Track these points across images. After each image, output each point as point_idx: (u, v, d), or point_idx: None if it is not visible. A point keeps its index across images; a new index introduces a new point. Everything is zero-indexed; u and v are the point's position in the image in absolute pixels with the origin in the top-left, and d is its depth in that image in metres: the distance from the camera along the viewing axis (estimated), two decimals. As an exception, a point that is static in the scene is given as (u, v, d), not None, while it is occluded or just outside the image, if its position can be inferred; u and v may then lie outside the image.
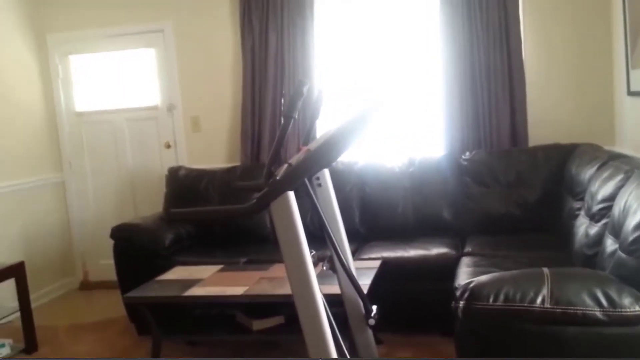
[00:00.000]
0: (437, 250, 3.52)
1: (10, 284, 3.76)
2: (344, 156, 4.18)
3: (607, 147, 3.62)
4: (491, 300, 1.95)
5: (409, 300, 3.44)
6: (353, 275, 2.27)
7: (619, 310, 1.84)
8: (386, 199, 4.04)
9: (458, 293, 2.03)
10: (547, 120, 4.10)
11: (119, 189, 5.07)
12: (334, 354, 1.75)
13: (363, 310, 2.37)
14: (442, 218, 3.93)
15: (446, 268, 3.28)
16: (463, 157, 4.01)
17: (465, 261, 3.24)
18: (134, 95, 4.97)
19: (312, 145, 1.84)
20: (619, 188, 2.52)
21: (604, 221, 2.59)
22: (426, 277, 3.41)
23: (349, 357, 2.02)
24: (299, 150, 1.97)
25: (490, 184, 3.89)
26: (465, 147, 4.10)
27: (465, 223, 3.90)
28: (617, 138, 3.95)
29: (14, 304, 3.78)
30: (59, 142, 5.10)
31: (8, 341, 3.69)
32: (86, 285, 5.17)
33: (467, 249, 3.49)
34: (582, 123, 4.05)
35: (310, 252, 1.79)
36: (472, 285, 2.01)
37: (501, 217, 3.80)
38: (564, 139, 3.90)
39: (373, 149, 4.40)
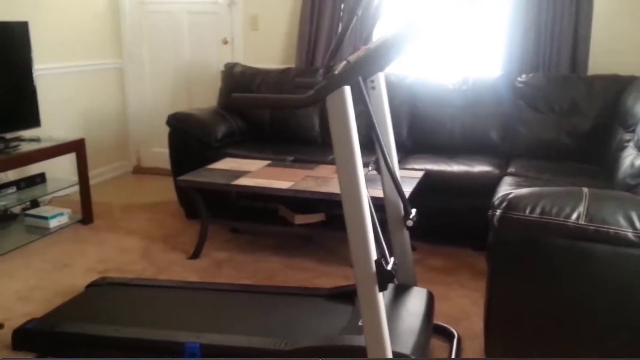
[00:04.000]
0: (480, 167, 3.58)
1: (70, 159, 4.01)
2: (397, 69, 4.23)
3: (668, 83, 3.54)
4: (527, 211, 2.02)
5: (446, 213, 3.53)
6: (396, 176, 2.36)
7: (651, 233, 1.89)
8: (436, 115, 4.07)
9: (496, 202, 2.10)
10: (610, 50, 3.98)
11: (175, 80, 5.21)
12: (374, 251, 1.85)
13: (402, 212, 2.47)
14: (490, 139, 3.96)
15: (487, 186, 3.33)
16: (519, 79, 3.97)
17: (507, 180, 3.30)
18: (196, -13, 5.00)
19: (372, 44, 1.89)
20: (673, 121, 2.51)
21: (652, 152, 2.60)
22: (466, 192, 3.48)
23: (388, 256, 2.13)
24: (357, 50, 2.02)
25: (543, 109, 3.86)
26: (523, 69, 4.04)
27: (513, 146, 3.91)
28: (681, 75, 3.84)
29: (74, 178, 4.04)
30: (121, 29, 5.21)
31: (67, 211, 3.97)
32: (139, 170, 5.44)
33: (511, 169, 3.53)
34: (646, 57, 3.94)
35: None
36: (510, 196, 2.08)
37: (550, 143, 3.80)
38: (625, 70, 3.81)
39: (427, 64, 4.39)
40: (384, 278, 1.84)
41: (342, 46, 4.26)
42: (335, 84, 1.79)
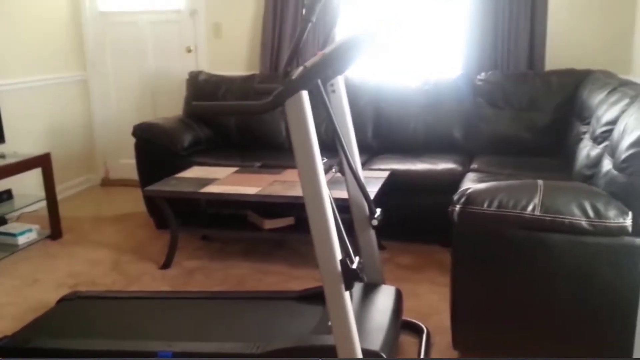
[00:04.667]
0: (444, 165, 3.65)
1: (36, 175, 3.98)
2: (361, 71, 4.29)
3: (622, 76, 3.65)
4: (485, 205, 2.09)
5: (413, 211, 3.60)
6: (359, 177, 2.41)
7: (604, 221, 1.97)
8: (399, 116, 4.14)
9: (455, 198, 2.17)
10: (566, 45, 4.10)
11: (141, 90, 5.20)
12: (339, 252, 1.89)
13: (367, 212, 2.52)
14: (452, 137, 4.04)
15: (451, 183, 3.40)
16: (478, 77, 4.06)
17: (470, 177, 3.38)
18: (157, -3, 5.01)
19: (327, 49, 1.94)
20: (623, 112, 2.60)
21: (605, 144, 2.68)
22: (431, 190, 3.55)
23: (352, 255, 2.17)
24: (315, 54, 2.06)
25: (502, 105, 3.96)
26: (482, 67, 4.14)
27: (474, 143, 4.00)
28: (634, 67, 3.97)
29: (41, 193, 4.01)
30: (83, 41, 5.19)
31: (35, 227, 3.94)
32: (107, 182, 5.41)
33: (473, 165, 3.61)
34: (600, 50, 4.05)
35: (322, 160, 1.91)
36: (469, 191, 2.15)
37: (510, 139, 3.90)
38: (582, 65, 3.93)
39: (390, 65, 4.46)
40: (349, 277, 1.88)
41: (305, 52, 4.33)
42: (292, 89, 1.83)
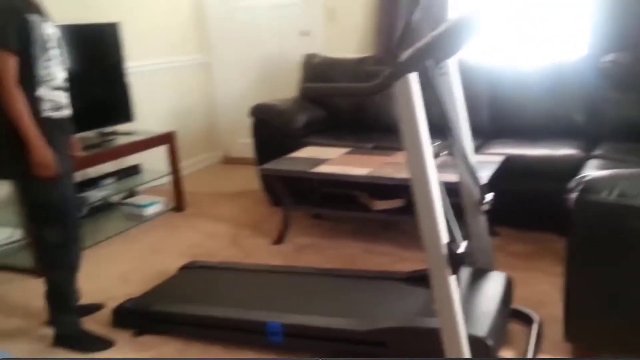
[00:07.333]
0: (564, 151, 3.48)
1: (163, 151, 4.24)
2: (477, 54, 4.17)
3: None
4: (605, 194, 1.98)
5: (531, 198, 3.46)
6: (469, 161, 2.36)
7: None
8: (517, 99, 3.98)
9: (572, 185, 2.08)
10: None
11: (258, 73, 5.38)
12: (445, 236, 1.88)
13: (477, 197, 2.48)
14: (574, 121, 3.83)
15: (571, 169, 3.21)
16: (605, 59, 3.81)
17: (592, 163, 3.20)
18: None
19: (436, 31, 1.91)
20: None
21: None
22: (550, 177, 3.39)
23: (459, 239, 2.14)
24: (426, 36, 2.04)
25: (630, 89, 3.69)
26: (609, 48, 3.87)
27: (598, 128, 3.77)
28: None
29: (166, 168, 4.28)
30: (206, 26, 5.43)
31: (161, 199, 4.22)
32: (227, 160, 5.68)
33: (597, 152, 3.42)
34: None
35: (434, 143, 1.89)
36: (587, 178, 2.05)
37: (639, 125, 3.64)
38: None
39: (508, 46, 4.30)
40: (454, 261, 1.86)
41: (419, 34, 4.26)
42: (400, 72, 1.83)
